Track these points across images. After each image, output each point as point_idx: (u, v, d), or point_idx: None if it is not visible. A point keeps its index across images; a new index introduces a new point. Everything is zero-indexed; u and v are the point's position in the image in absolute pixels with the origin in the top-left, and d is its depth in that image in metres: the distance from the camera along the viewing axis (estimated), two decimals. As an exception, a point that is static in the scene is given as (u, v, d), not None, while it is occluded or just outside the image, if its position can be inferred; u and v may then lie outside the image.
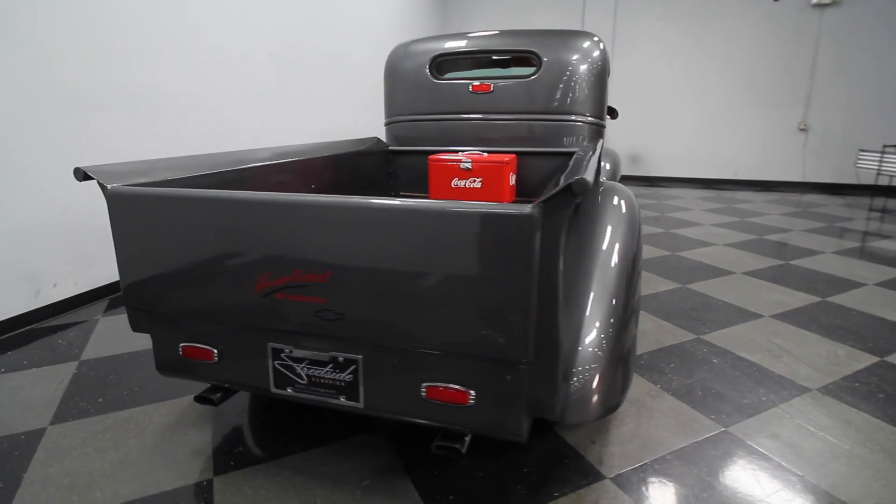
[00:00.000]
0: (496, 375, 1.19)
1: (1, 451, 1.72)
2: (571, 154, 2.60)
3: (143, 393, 2.07)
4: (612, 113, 3.68)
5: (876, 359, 2.32)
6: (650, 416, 1.90)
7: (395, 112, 3.11)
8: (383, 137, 3.18)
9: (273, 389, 1.39)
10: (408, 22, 7.17)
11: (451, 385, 1.21)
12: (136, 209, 1.35)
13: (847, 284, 3.27)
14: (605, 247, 1.63)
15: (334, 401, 1.34)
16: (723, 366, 2.26)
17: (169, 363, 1.52)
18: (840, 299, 3.02)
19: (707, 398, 2.01)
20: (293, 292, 1.24)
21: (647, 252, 4.06)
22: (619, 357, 1.48)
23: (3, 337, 2.57)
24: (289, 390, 1.38)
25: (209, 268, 1.31)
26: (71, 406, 1.99)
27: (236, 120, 4.04)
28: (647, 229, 4.85)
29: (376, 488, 1.54)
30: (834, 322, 2.70)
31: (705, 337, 2.54)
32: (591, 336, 1.43)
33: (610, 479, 1.58)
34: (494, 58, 3.03)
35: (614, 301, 1.51)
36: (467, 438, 1.33)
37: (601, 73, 2.84)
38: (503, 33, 2.91)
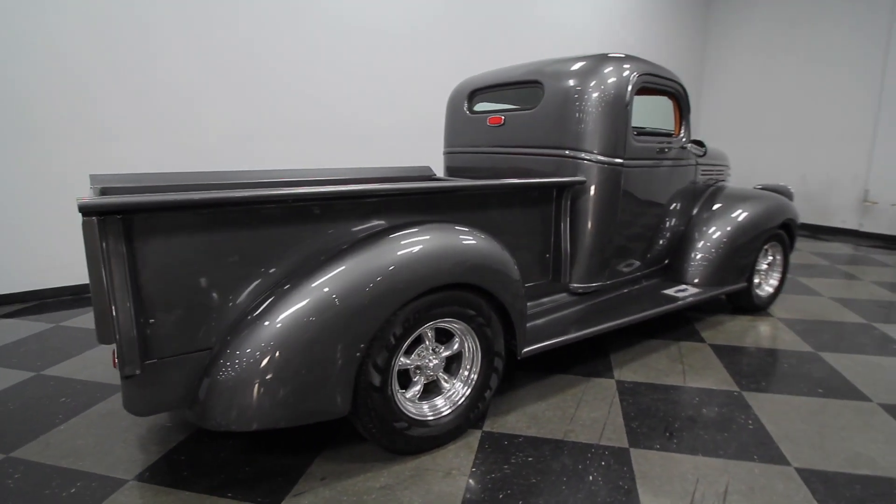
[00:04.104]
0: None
1: (94, 337, 2.92)
2: (551, 185, 2.29)
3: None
4: (699, 145, 2.86)
5: None
6: (416, 485, 1.68)
7: (446, 143, 3.31)
8: None
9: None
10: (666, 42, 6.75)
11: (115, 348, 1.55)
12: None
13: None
14: (328, 278, 1.59)
15: None
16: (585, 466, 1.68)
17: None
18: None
19: (499, 487, 1.61)
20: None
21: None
22: (274, 380, 1.49)
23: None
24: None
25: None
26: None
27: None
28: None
29: (148, 436, 1.98)
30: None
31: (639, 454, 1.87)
32: (245, 353, 1.50)
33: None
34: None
35: (289, 327, 1.51)
36: None
37: (614, 104, 2.40)
38: (527, 64, 2.76)
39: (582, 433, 2.00)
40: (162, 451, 1.88)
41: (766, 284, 3.47)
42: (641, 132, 2.81)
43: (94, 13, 3.46)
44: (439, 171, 3.34)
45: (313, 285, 1.58)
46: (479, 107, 3.06)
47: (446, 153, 3.30)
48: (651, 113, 3.00)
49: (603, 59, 2.46)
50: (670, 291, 2.90)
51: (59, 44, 3.39)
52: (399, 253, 1.66)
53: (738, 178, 6.29)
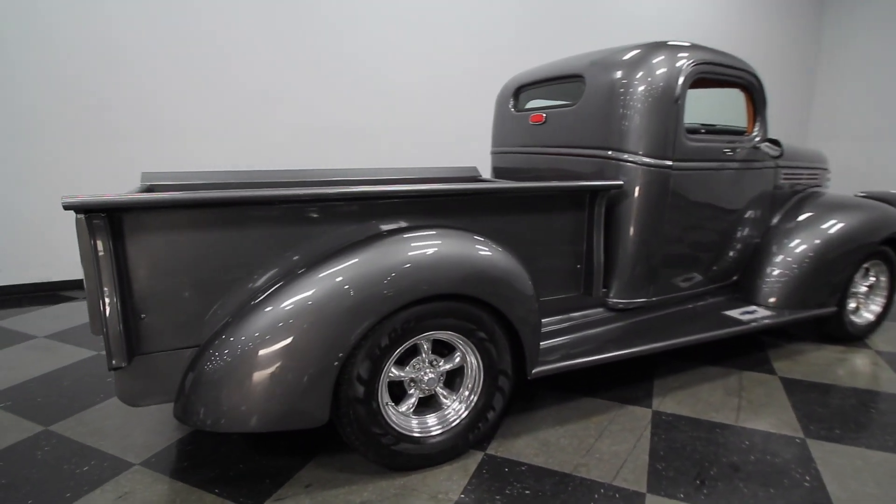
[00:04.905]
0: None
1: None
2: (583, 190, 2.09)
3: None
4: (775, 144, 2.44)
5: None
6: (400, 499, 1.59)
7: (493, 143, 3.17)
8: None
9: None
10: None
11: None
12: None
13: None
14: (310, 284, 1.53)
15: None
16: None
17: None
18: None
19: (479, 539, 1.47)
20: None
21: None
22: (251, 383, 1.47)
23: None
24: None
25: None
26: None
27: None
28: None
29: (166, 421, 2.06)
30: None
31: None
32: (225, 353, 1.49)
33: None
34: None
35: (273, 329, 1.48)
36: None
37: (662, 98, 2.14)
38: (574, 57, 2.54)
39: (595, 469, 1.78)
40: (173, 439, 1.95)
41: (865, 310, 2.92)
42: (710, 130, 2.48)
43: (102, 16, 3.75)
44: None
45: (297, 289, 1.53)
46: (530, 104, 2.88)
47: (493, 153, 3.16)
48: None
49: (652, 48, 2.19)
50: (734, 313, 2.53)
51: (73, 65, 3.72)
52: (386, 260, 1.57)
53: (856, 182, 5.43)
